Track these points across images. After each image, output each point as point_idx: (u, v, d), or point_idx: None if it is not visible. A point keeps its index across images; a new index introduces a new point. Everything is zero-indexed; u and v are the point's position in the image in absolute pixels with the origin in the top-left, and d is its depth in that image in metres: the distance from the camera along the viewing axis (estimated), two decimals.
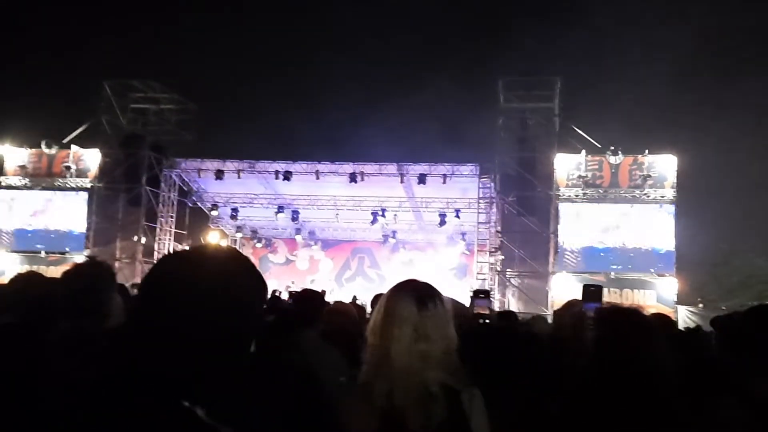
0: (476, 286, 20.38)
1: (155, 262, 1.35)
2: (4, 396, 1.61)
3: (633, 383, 1.98)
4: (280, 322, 3.67)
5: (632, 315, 2.17)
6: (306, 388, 2.33)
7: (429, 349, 1.99)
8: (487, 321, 3.75)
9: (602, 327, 2.15)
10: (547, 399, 2.38)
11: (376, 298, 5.30)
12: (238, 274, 1.32)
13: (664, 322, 3.97)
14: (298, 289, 9.50)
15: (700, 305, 22.26)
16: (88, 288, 2.44)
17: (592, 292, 2.92)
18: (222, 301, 1.26)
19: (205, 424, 1.25)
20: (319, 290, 5.02)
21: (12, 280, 2.85)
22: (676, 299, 19.19)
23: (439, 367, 1.99)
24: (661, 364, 2.03)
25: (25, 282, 2.79)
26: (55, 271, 15.37)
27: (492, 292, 20.62)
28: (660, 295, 18.91)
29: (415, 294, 2.09)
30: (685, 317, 20.01)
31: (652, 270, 19.19)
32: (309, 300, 3.62)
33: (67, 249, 21.93)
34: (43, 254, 21.97)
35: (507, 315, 5.93)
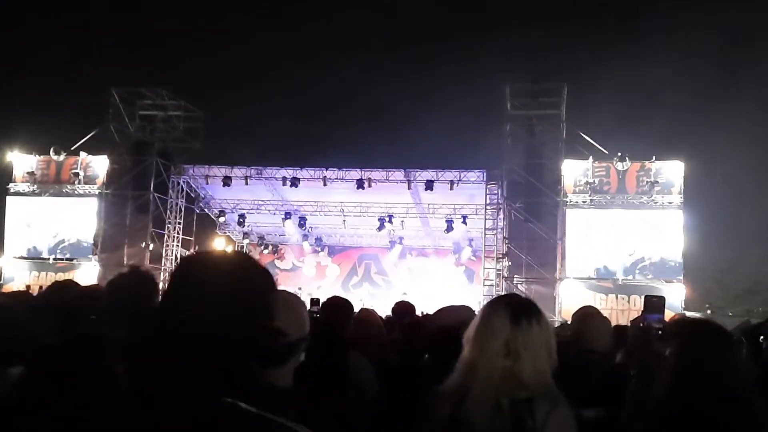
0: (484, 292, 20.43)
1: (176, 264, 1.42)
2: (78, 401, 1.66)
3: (716, 398, 1.97)
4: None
5: (708, 326, 2.17)
6: (355, 394, 2.36)
7: (515, 368, 1.96)
8: None
9: (678, 340, 2.13)
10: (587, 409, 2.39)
11: (399, 305, 5.36)
12: (248, 272, 1.39)
13: None
14: (309, 295, 9.52)
15: (708, 312, 22.20)
16: (133, 297, 2.49)
17: (654, 302, 2.85)
18: (236, 299, 1.33)
19: (253, 414, 1.29)
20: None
21: (48, 289, 2.90)
22: (683, 306, 19.13)
23: (523, 387, 1.95)
24: (743, 376, 2.03)
25: (61, 291, 2.84)
26: (63, 278, 15.39)
27: None
28: (667, 301, 18.84)
29: (511, 308, 2.06)
30: None
31: (666, 280, 19.13)
32: (338, 308, 3.64)
33: (78, 256, 22.02)
34: (51, 261, 22.04)
35: None
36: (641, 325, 2.69)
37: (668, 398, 2.06)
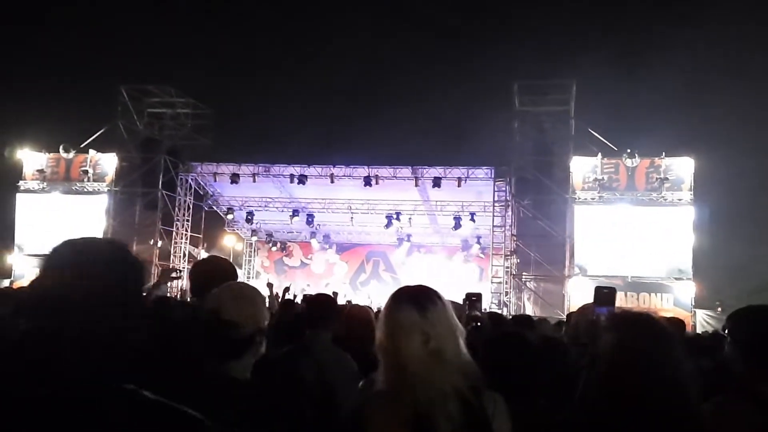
0: (493, 289, 20.39)
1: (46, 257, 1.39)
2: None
3: (649, 392, 1.94)
4: (291, 325, 3.66)
5: (646, 320, 2.11)
6: (315, 391, 2.33)
7: (441, 347, 1.98)
8: (479, 324, 3.71)
9: (614, 333, 2.09)
10: (553, 407, 2.33)
11: None
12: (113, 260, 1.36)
13: (676, 326, 3.90)
14: (312, 293, 9.57)
15: (719, 309, 22.02)
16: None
17: (604, 294, 2.77)
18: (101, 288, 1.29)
19: (151, 401, 1.27)
20: (331, 293, 5.04)
21: (32, 282, 2.87)
22: (693, 303, 19.00)
23: (455, 366, 1.98)
24: (678, 371, 1.99)
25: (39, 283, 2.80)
26: None
27: (507, 296, 20.56)
28: (677, 298, 18.73)
29: (413, 300, 2.07)
30: (702, 321, 19.80)
31: (676, 278, 18.97)
32: (321, 303, 3.62)
33: None
34: None
35: (523, 319, 5.87)
36: (592, 318, 2.64)
37: (599, 392, 2.03)
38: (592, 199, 19.86)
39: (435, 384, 1.93)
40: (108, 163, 22.68)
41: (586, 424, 2.01)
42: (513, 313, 18.66)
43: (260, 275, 26.67)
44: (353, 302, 10.33)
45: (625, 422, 1.92)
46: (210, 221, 25.59)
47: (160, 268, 21.68)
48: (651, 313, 2.20)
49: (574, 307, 18.22)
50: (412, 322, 2.00)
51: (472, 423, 1.91)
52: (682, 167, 19.42)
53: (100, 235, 21.94)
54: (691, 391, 1.98)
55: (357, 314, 3.92)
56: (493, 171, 20.86)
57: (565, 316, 17.64)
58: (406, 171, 21.21)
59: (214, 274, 2.93)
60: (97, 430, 1.21)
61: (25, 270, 22.19)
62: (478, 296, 4.00)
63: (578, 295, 19.13)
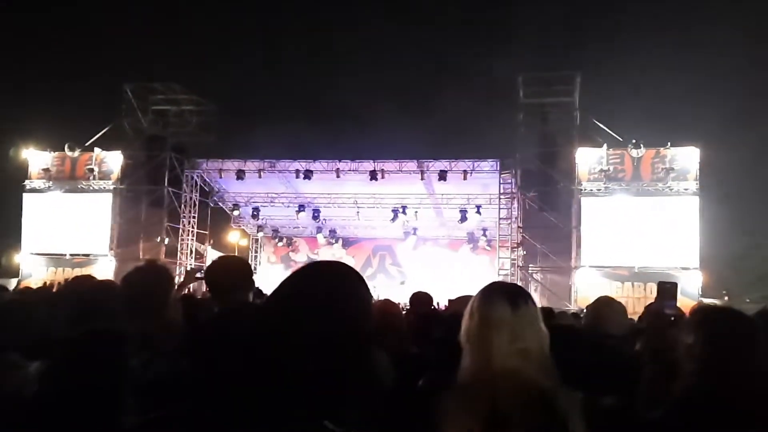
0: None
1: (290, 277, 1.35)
2: (97, 395, 1.67)
3: (746, 383, 1.97)
4: None
5: (735, 314, 2.16)
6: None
7: (527, 347, 1.99)
8: None
9: (706, 328, 2.11)
10: (601, 396, 2.36)
11: (416, 296, 5.35)
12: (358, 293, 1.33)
13: None
14: None
15: (726, 298, 22.03)
16: (147, 291, 2.50)
17: (668, 289, 2.83)
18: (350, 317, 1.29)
19: None
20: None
21: (66, 284, 2.92)
22: (700, 293, 18.98)
23: (538, 366, 1.98)
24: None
25: (77, 286, 2.86)
26: (80, 273, 15.48)
27: None
28: (684, 288, 18.65)
29: (507, 295, 2.08)
30: None
31: (683, 267, 18.93)
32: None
33: (94, 251, 22.16)
34: (68, 256, 22.19)
35: (546, 312, 5.86)
36: (663, 312, 2.66)
37: (696, 387, 2.05)
38: (598, 190, 19.86)
39: (519, 381, 1.94)
40: (113, 161, 22.70)
41: (682, 419, 2.03)
42: None
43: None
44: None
45: (724, 415, 1.95)
46: (216, 218, 25.70)
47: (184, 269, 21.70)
48: (731, 306, 2.24)
49: (581, 299, 18.32)
50: (503, 317, 2.01)
51: (550, 424, 1.91)
52: (688, 157, 19.40)
53: (107, 232, 22.09)
54: None
55: (389, 309, 3.92)
56: (498, 163, 20.88)
57: (573, 308, 17.68)
58: (411, 165, 21.22)
59: (233, 273, 2.97)
60: None
61: (32, 269, 22.28)
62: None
63: (585, 286, 19.17)
